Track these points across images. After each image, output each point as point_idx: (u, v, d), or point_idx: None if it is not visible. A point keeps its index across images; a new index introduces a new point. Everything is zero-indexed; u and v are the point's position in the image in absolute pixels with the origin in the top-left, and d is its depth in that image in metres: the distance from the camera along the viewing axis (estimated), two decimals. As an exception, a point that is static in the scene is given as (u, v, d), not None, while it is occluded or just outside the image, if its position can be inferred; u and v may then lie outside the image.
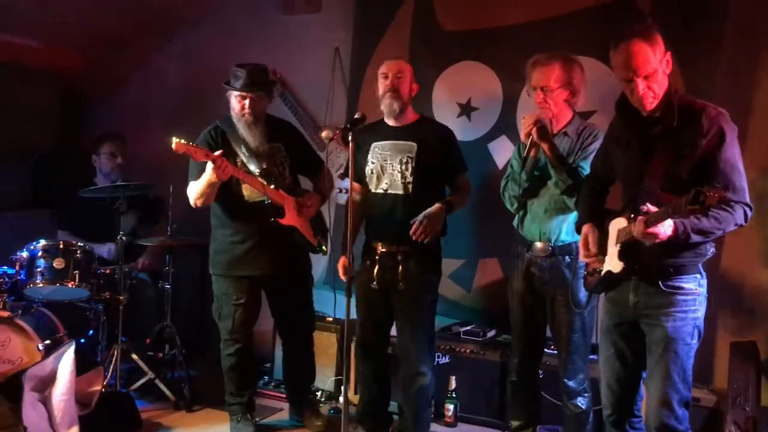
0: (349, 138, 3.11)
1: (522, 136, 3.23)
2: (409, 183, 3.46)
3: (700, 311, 2.65)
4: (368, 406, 3.74)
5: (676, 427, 2.61)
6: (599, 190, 3.00)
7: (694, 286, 2.63)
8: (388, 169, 3.50)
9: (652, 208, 2.44)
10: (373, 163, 3.53)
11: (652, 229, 2.41)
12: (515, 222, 3.43)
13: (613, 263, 2.70)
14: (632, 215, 2.59)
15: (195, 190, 3.53)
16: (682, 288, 2.62)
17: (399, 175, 3.47)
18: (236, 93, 3.59)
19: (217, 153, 3.37)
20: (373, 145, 3.54)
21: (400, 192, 3.48)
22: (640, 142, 2.67)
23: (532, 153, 3.21)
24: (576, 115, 3.34)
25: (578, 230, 2.93)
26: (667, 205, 2.38)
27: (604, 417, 2.88)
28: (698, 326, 2.65)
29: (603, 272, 2.77)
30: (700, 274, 2.66)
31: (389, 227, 3.48)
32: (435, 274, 3.60)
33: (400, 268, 3.46)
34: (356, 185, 3.56)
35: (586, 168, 3.16)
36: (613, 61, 2.61)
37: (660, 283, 2.62)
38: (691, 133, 2.55)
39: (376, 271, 3.50)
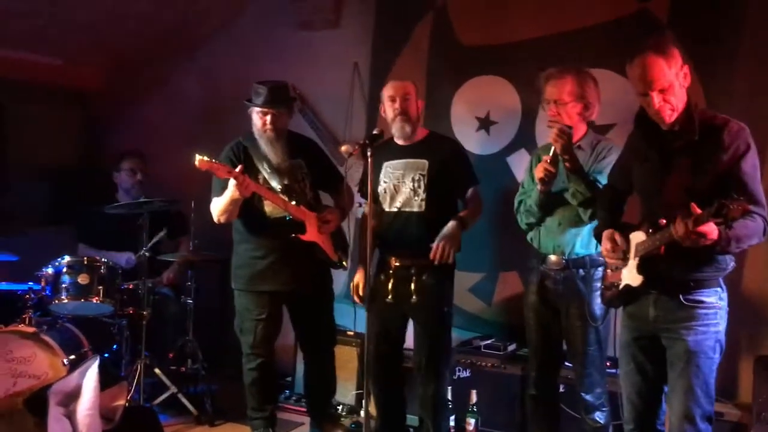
0: (369, 153, 3.14)
1: (537, 176, 3.20)
2: (422, 200, 3.49)
3: (721, 325, 2.63)
4: (385, 418, 3.73)
5: None
6: (616, 202, 2.99)
7: (715, 300, 2.62)
8: (401, 187, 3.54)
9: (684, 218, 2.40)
10: (385, 182, 3.58)
11: (702, 228, 2.35)
12: (530, 236, 3.42)
13: (631, 277, 2.70)
14: (650, 229, 2.59)
15: (218, 207, 3.57)
16: (702, 302, 2.60)
17: (412, 193, 3.51)
18: (258, 109, 3.63)
19: (237, 169, 3.40)
20: (385, 164, 3.58)
21: (414, 209, 3.51)
22: (660, 156, 2.66)
23: (540, 189, 3.21)
24: (590, 129, 3.34)
25: (597, 238, 2.92)
26: (692, 216, 2.35)
27: (626, 430, 2.86)
28: (720, 340, 2.63)
29: (621, 286, 2.76)
30: (721, 287, 2.64)
31: (403, 243, 3.51)
32: (449, 287, 3.61)
33: (414, 281, 3.48)
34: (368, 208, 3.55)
35: (602, 181, 3.16)
36: (629, 75, 2.64)
37: (680, 296, 2.60)
38: (712, 147, 2.54)
39: (390, 285, 3.53)
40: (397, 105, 3.50)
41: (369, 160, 3.19)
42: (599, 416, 3.28)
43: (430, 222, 3.46)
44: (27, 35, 4.53)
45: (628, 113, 3.76)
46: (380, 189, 3.58)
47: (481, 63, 4.33)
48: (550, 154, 3.14)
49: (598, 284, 3.19)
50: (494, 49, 4.29)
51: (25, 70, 4.88)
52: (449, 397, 4.03)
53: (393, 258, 3.54)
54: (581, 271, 3.23)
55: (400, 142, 3.60)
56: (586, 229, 3.24)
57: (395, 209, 3.55)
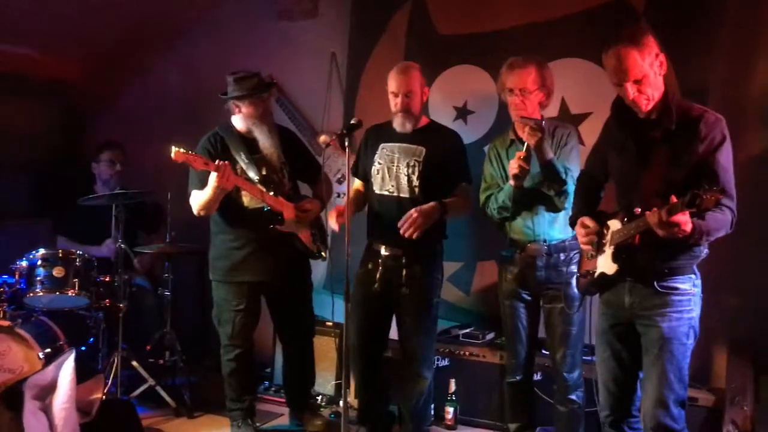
0: (346, 143, 3.13)
1: (511, 173, 3.21)
2: (415, 186, 3.46)
3: (695, 311, 2.67)
4: (368, 407, 3.74)
5: (673, 427, 2.63)
6: (593, 191, 3.01)
7: (689, 287, 2.65)
8: (394, 171, 3.50)
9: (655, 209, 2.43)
10: (379, 163, 3.53)
11: (676, 218, 2.37)
12: (506, 226, 3.44)
13: (606, 265, 2.72)
14: (626, 218, 2.61)
15: (200, 200, 3.55)
16: (677, 288, 2.64)
17: (405, 179, 3.48)
18: (234, 102, 3.62)
19: (219, 162, 3.39)
20: (381, 145, 3.55)
21: (406, 195, 3.47)
22: (637, 146, 2.68)
23: (514, 184, 3.22)
24: (543, 116, 3.34)
25: (572, 225, 2.94)
26: (665, 206, 2.38)
27: (602, 418, 2.89)
28: (693, 326, 2.66)
29: (596, 274, 2.78)
30: (695, 274, 2.68)
31: (393, 230, 3.42)
32: (438, 277, 3.60)
33: (404, 271, 3.45)
34: (359, 182, 3.64)
35: (570, 167, 3.20)
36: (604, 65, 2.65)
37: (655, 283, 2.63)
38: (688, 138, 2.56)
39: (379, 273, 3.49)
40: (398, 101, 3.45)
41: (347, 149, 3.16)
42: (578, 395, 3.36)
43: None
44: (3, 26, 4.47)
45: (605, 102, 3.79)
46: (373, 170, 3.56)
47: (459, 52, 4.32)
48: (524, 150, 3.15)
49: (577, 267, 3.23)
50: (472, 39, 4.29)
51: (2, 61, 4.82)
52: (428, 386, 4.07)
53: (382, 246, 3.50)
54: (562, 255, 3.29)
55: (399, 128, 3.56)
56: (562, 215, 3.29)
57: (386, 192, 3.52)
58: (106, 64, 5.28)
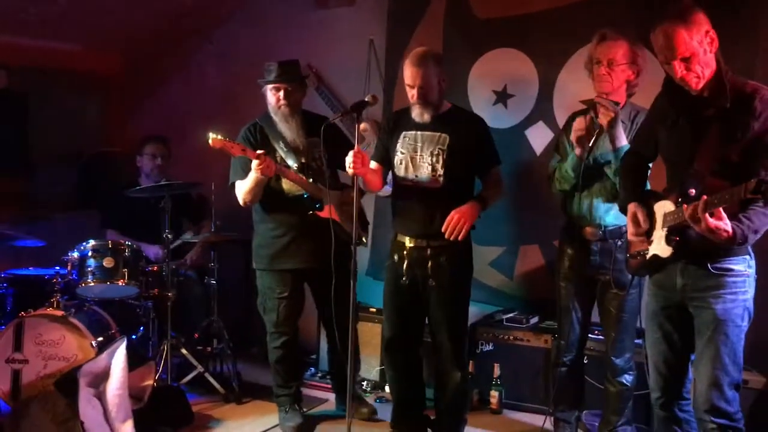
0: (356, 120, 3.15)
1: (573, 137, 3.17)
2: (440, 176, 3.33)
3: (749, 292, 2.61)
4: (402, 407, 3.62)
5: (727, 409, 2.58)
6: (640, 167, 2.95)
7: (744, 268, 2.59)
8: (418, 160, 3.37)
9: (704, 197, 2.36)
10: (402, 153, 3.41)
11: (717, 224, 2.33)
12: (567, 208, 3.39)
13: (659, 247, 2.66)
14: (680, 199, 2.55)
15: (243, 189, 3.60)
16: (731, 270, 2.58)
17: (429, 168, 3.34)
18: (270, 86, 3.67)
19: (259, 152, 3.43)
20: (403, 133, 3.43)
21: (430, 184, 3.35)
22: (690, 123, 2.61)
23: (577, 152, 3.18)
24: (628, 99, 3.28)
25: (622, 209, 2.89)
26: (725, 192, 2.32)
27: (653, 400, 2.86)
28: (748, 308, 2.61)
29: (648, 256, 2.73)
30: (749, 255, 2.61)
31: (418, 221, 3.37)
32: (467, 269, 3.49)
33: (430, 263, 3.35)
34: (375, 164, 3.49)
35: None
36: (653, 43, 2.58)
37: (709, 265, 2.58)
38: (743, 115, 2.49)
39: (405, 266, 3.40)
40: (415, 93, 3.31)
41: (357, 126, 3.14)
42: (627, 378, 3.35)
43: (448, 199, 3.32)
44: (46, 22, 4.57)
45: (648, 82, 3.75)
46: (396, 159, 3.43)
47: (497, 36, 4.29)
48: (587, 120, 3.12)
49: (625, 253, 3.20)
50: (510, 22, 4.25)
51: (46, 57, 4.93)
52: (473, 371, 4.07)
53: (407, 238, 3.41)
54: (618, 241, 3.24)
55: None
56: None
57: (410, 182, 3.39)
58: (146, 57, 5.37)
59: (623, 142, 3.08)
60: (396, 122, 3.49)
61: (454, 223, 3.25)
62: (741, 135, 2.49)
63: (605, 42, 3.18)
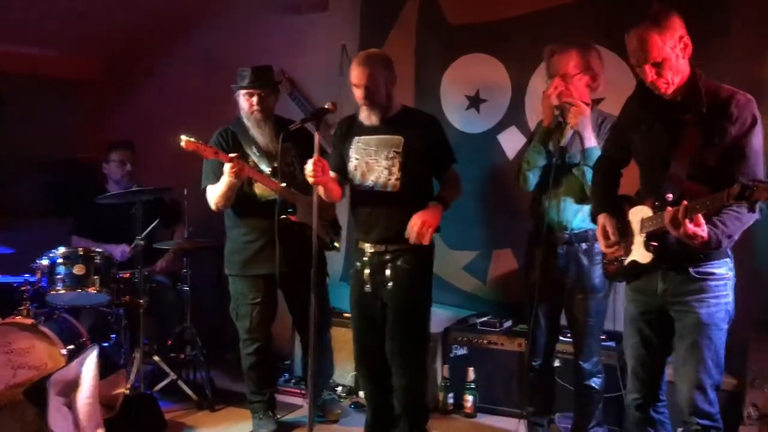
0: (316, 129, 3.11)
1: (553, 99, 3.18)
2: (397, 179, 3.25)
3: (730, 295, 2.62)
4: (377, 414, 3.56)
5: (709, 411, 2.61)
6: (612, 173, 2.96)
7: (725, 271, 2.60)
8: (373, 165, 3.29)
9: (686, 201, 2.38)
10: (357, 158, 3.33)
11: (695, 230, 2.35)
12: (535, 209, 3.41)
13: (639, 253, 2.66)
14: (657, 203, 2.56)
15: (216, 194, 3.58)
16: (713, 273, 2.58)
17: (386, 172, 3.27)
18: (244, 91, 3.66)
19: (232, 155, 3.41)
20: (356, 139, 3.35)
21: (388, 189, 3.27)
22: (666, 128, 2.61)
23: (545, 123, 3.21)
24: (594, 106, 3.32)
25: (593, 218, 2.90)
26: (706, 198, 2.34)
27: (628, 401, 2.88)
28: (729, 311, 2.62)
29: (627, 262, 2.73)
30: (729, 257, 2.62)
31: (377, 226, 3.31)
32: (427, 273, 3.41)
33: (389, 266, 3.29)
34: (332, 174, 3.38)
35: None
36: (627, 46, 2.58)
37: (690, 269, 2.58)
38: (720, 120, 2.50)
39: (368, 274, 3.34)
40: (361, 92, 3.25)
41: (316, 135, 3.10)
42: (595, 382, 3.36)
43: (406, 202, 3.25)
44: (23, 28, 4.53)
45: (617, 87, 3.78)
46: (351, 166, 3.35)
47: (470, 41, 4.31)
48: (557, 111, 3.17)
49: (599, 257, 3.22)
50: (482, 27, 4.27)
51: (20, 62, 4.89)
52: (446, 375, 4.08)
53: (367, 244, 3.35)
54: (584, 245, 3.26)
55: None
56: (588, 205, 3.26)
57: (366, 188, 3.31)
58: (121, 62, 5.35)
59: (592, 143, 3.12)
60: (348, 128, 3.41)
61: (418, 228, 3.18)
62: (718, 139, 2.50)
63: (554, 57, 3.23)
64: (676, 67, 2.52)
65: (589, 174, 3.12)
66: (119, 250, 4.46)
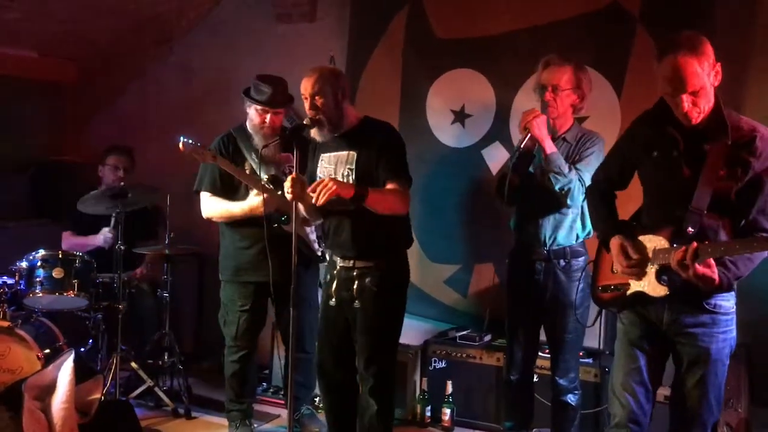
0: (294, 146, 3.03)
1: (520, 128, 3.23)
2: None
3: (735, 330, 2.58)
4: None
5: None
6: (612, 195, 2.84)
7: (731, 305, 2.55)
8: None
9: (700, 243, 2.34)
10: (320, 177, 3.19)
11: (704, 271, 2.31)
12: (512, 224, 3.45)
13: (649, 285, 2.55)
14: (675, 236, 2.48)
15: (220, 211, 3.62)
16: (721, 306, 2.52)
17: None
18: (258, 107, 3.61)
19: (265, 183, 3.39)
20: (321, 157, 3.26)
21: (345, 206, 3.07)
22: (687, 157, 2.49)
23: (524, 145, 3.23)
24: (576, 122, 3.37)
25: (604, 244, 2.73)
26: (719, 244, 2.31)
27: (612, 426, 2.73)
28: (732, 346, 2.58)
29: (630, 292, 2.62)
30: (734, 289, 2.55)
31: (344, 241, 3.18)
32: (397, 294, 3.24)
33: (356, 284, 3.16)
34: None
35: (581, 169, 3.19)
36: (657, 72, 2.43)
37: (700, 302, 2.50)
38: (745, 153, 2.42)
39: (334, 287, 3.24)
40: (308, 105, 3.11)
41: (295, 152, 3.02)
42: (571, 398, 3.38)
43: (366, 220, 3.07)
44: (2, 30, 4.50)
45: (600, 106, 3.83)
46: None
47: (457, 56, 4.34)
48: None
49: (578, 274, 3.26)
50: (469, 43, 4.31)
51: (2, 64, 4.85)
52: (425, 388, 4.09)
53: (338, 258, 3.24)
54: (562, 261, 3.29)
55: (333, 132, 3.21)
56: (567, 220, 3.30)
57: (330, 206, 3.09)
58: (103, 65, 5.32)
59: (551, 149, 3.16)
60: (315, 146, 3.29)
61: (322, 185, 2.91)
62: (741, 173, 2.42)
63: (550, 68, 3.26)
64: (708, 95, 2.41)
65: (554, 181, 3.14)
66: (101, 237, 4.42)
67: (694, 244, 2.34)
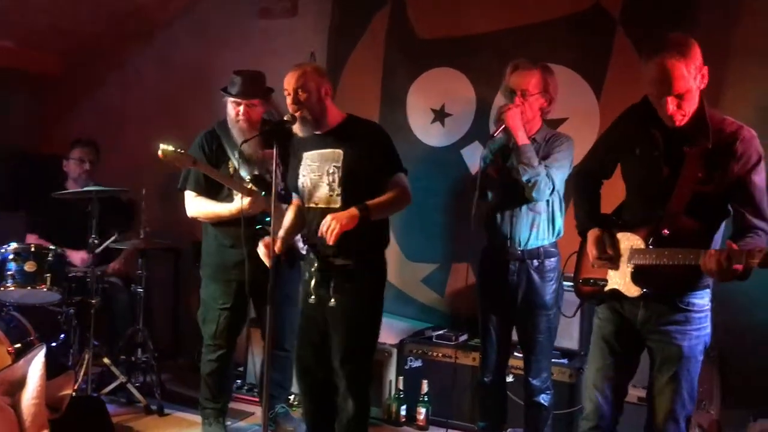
0: (274, 143, 3.05)
1: (495, 119, 3.28)
2: (338, 195, 3.08)
3: (709, 327, 2.59)
4: None
5: None
6: (596, 188, 2.86)
7: (706, 302, 2.57)
8: (318, 183, 3.13)
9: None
10: (304, 176, 3.18)
11: (738, 266, 2.25)
12: (485, 225, 3.45)
13: (624, 285, 2.59)
14: (651, 239, 2.51)
15: (206, 211, 3.60)
16: (695, 304, 2.55)
17: (327, 188, 3.11)
18: (231, 99, 3.59)
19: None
20: (304, 155, 3.20)
21: (331, 206, 3.08)
22: (667, 157, 2.51)
23: (497, 134, 3.27)
24: (545, 124, 3.39)
25: (582, 235, 2.79)
26: (722, 251, 2.28)
27: (585, 427, 2.77)
28: (707, 342, 2.60)
29: (607, 288, 2.65)
30: (709, 287, 2.58)
31: (319, 242, 3.07)
32: (374, 294, 3.20)
33: (333, 282, 3.13)
34: (296, 197, 3.31)
35: (551, 167, 3.20)
36: (643, 73, 2.43)
37: (675, 300, 2.54)
38: (724, 156, 2.42)
39: (313, 284, 3.20)
40: (291, 100, 3.09)
41: (274, 149, 3.04)
42: (544, 398, 3.39)
43: None
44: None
45: (579, 108, 3.85)
46: (299, 183, 3.21)
47: (437, 55, 4.35)
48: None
49: (552, 274, 3.29)
50: (450, 42, 4.32)
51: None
52: (400, 387, 4.08)
53: (316, 256, 3.19)
54: (535, 261, 3.29)
55: (315, 131, 3.18)
56: (542, 220, 3.31)
57: (312, 205, 3.15)
58: (84, 57, 5.26)
59: (524, 141, 3.19)
60: (298, 144, 3.24)
61: (327, 225, 2.92)
62: (719, 176, 2.42)
63: (518, 71, 3.28)
64: (694, 98, 2.41)
65: (522, 172, 3.16)
66: (79, 258, 4.37)
67: (733, 245, 2.28)
